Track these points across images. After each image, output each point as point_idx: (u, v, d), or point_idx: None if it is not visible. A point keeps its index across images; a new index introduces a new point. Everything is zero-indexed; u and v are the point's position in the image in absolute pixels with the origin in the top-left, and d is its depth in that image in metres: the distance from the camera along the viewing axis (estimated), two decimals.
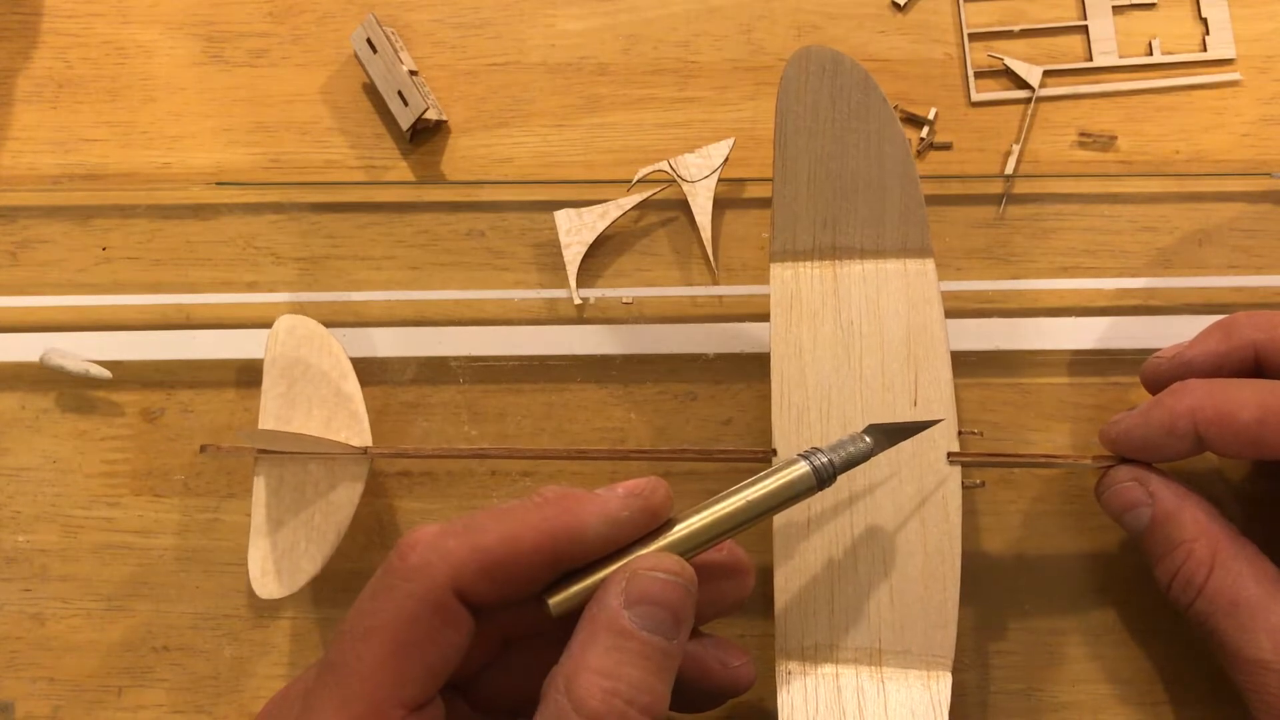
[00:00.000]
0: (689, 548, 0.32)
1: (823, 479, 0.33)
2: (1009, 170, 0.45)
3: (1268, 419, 0.34)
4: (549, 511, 0.30)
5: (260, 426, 0.41)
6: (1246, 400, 0.34)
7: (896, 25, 0.47)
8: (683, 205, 0.45)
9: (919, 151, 0.46)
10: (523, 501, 0.31)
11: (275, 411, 0.41)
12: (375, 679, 0.29)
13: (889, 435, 0.34)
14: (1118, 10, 0.47)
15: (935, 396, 0.37)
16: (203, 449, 0.41)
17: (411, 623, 0.29)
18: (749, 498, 0.32)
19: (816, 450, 0.33)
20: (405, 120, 0.46)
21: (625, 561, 0.31)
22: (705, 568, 0.32)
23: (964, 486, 0.37)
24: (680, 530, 0.32)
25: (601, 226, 0.45)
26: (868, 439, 0.34)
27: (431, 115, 0.46)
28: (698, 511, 0.32)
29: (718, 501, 0.32)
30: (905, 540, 0.36)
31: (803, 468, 0.32)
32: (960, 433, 0.37)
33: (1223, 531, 0.36)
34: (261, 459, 0.41)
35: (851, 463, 0.33)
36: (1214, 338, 0.37)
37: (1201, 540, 0.35)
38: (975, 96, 0.46)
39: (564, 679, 0.29)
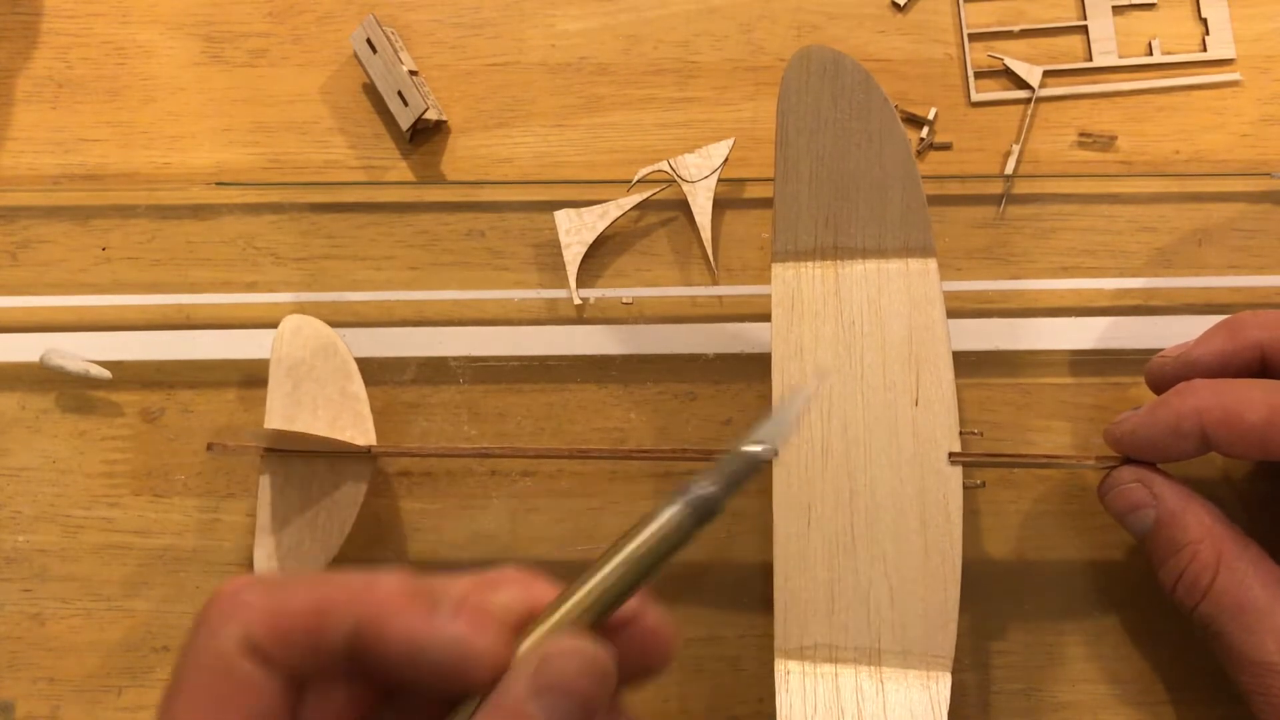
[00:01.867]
0: (589, 619, 0.27)
1: (705, 514, 0.27)
2: (1009, 170, 0.45)
3: (1275, 419, 0.34)
4: (366, 595, 0.26)
5: (267, 425, 0.41)
6: (1254, 400, 0.34)
7: (896, 25, 0.47)
8: (683, 205, 0.45)
9: (919, 151, 0.46)
10: (370, 577, 0.26)
11: (281, 410, 0.41)
12: None
13: (780, 425, 0.29)
14: (1118, 10, 0.47)
15: (936, 396, 0.37)
16: (209, 447, 0.41)
17: (207, 677, 0.25)
18: (630, 558, 0.27)
19: (696, 480, 0.28)
20: (405, 120, 0.46)
21: (535, 637, 0.26)
22: (622, 637, 0.28)
23: (965, 487, 0.37)
24: (573, 601, 0.27)
25: (601, 226, 0.45)
26: (757, 446, 0.28)
27: (431, 115, 0.46)
28: (583, 581, 0.27)
29: (603, 564, 0.27)
30: (905, 540, 0.36)
31: (675, 512, 0.27)
32: (961, 433, 0.37)
33: (1227, 533, 0.36)
34: (268, 457, 0.41)
35: (739, 479, 0.28)
36: (1219, 337, 0.37)
37: (1206, 542, 0.35)
38: (975, 96, 0.46)
39: None
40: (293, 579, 0.26)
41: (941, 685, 0.35)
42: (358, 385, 0.42)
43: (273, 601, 0.25)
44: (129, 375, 0.45)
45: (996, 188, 0.45)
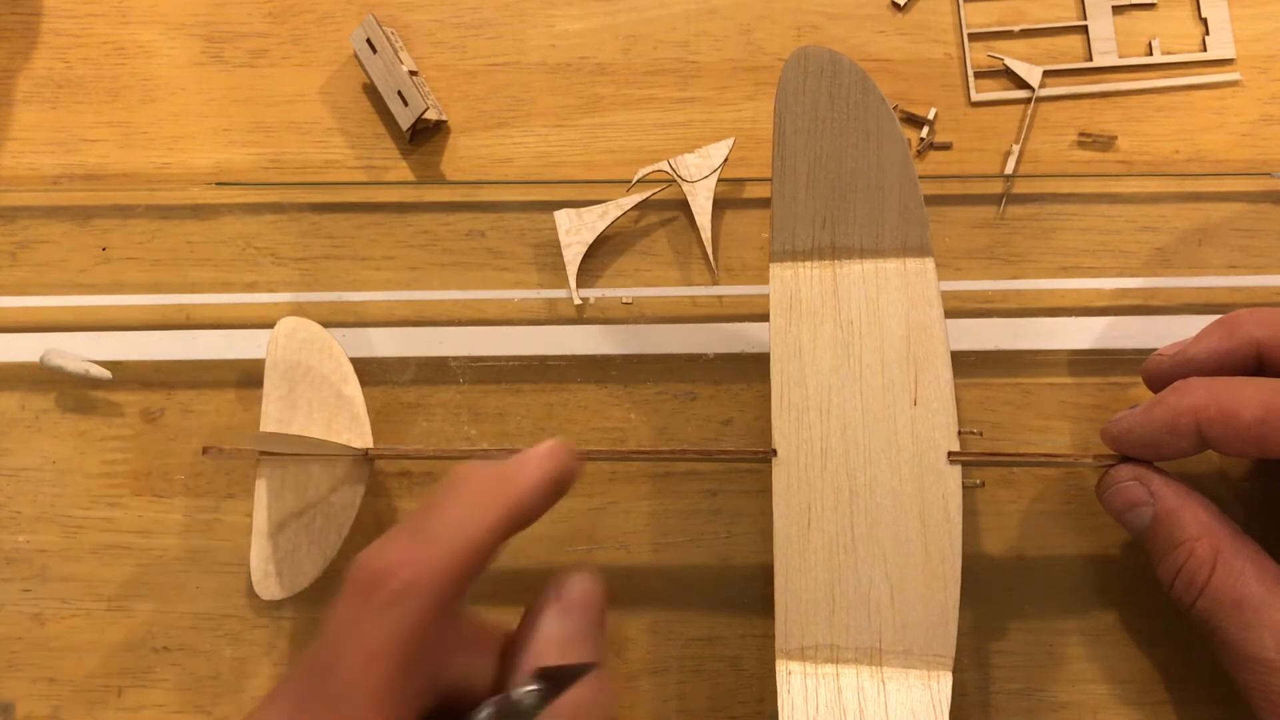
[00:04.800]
0: None
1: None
2: (1009, 170, 0.45)
3: (1270, 418, 0.34)
4: (496, 491, 0.31)
5: (262, 429, 0.41)
6: (1249, 399, 0.34)
7: (896, 25, 0.47)
8: (683, 205, 0.45)
9: (919, 151, 0.46)
10: (455, 491, 0.32)
11: (277, 414, 0.41)
12: (383, 697, 0.28)
13: (555, 682, 0.31)
14: (1118, 10, 0.47)
15: (935, 396, 0.37)
16: (205, 451, 0.41)
17: (413, 639, 0.29)
18: None
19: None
20: (405, 120, 0.46)
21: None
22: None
23: (964, 486, 0.37)
24: None
25: (601, 226, 0.45)
26: (528, 696, 0.30)
27: (431, 115, 0.46)
28: None
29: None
30: (905, 540, 0.36)
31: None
32: (960, 432, 0.37)
33: (1224, 530, 0.36)
34: (264, 461, 0.41)
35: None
36: (1216, 335, 0.37)
37: (1203, 539, 0.35)
38: (975, 96, 0.46)
39: (534, 653, 0.31)
40: (429, 525, 0.31)
41: (943, 685, 0.35)
42: (354, 387, 0.42)
43: (443, 549, 0.30)
44: (129, 375, 0.45)
45: (996, 188, 0.45)
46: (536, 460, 0.32)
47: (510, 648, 0.32)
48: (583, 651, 0.32)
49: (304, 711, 0.29)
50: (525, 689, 0.29)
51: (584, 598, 0.33)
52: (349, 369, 0.42)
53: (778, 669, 0.36)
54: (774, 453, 0.38)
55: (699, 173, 0.45)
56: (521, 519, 0.32)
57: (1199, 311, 0.43)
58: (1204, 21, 0.46)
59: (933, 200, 0.45)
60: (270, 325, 0.43)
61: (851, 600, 0.36)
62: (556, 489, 0.33)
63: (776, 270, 0.39)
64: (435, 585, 0.30)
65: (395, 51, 0.46)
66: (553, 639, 0.32)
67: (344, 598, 0.30)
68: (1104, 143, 0.46)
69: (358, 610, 0.30)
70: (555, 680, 0.30)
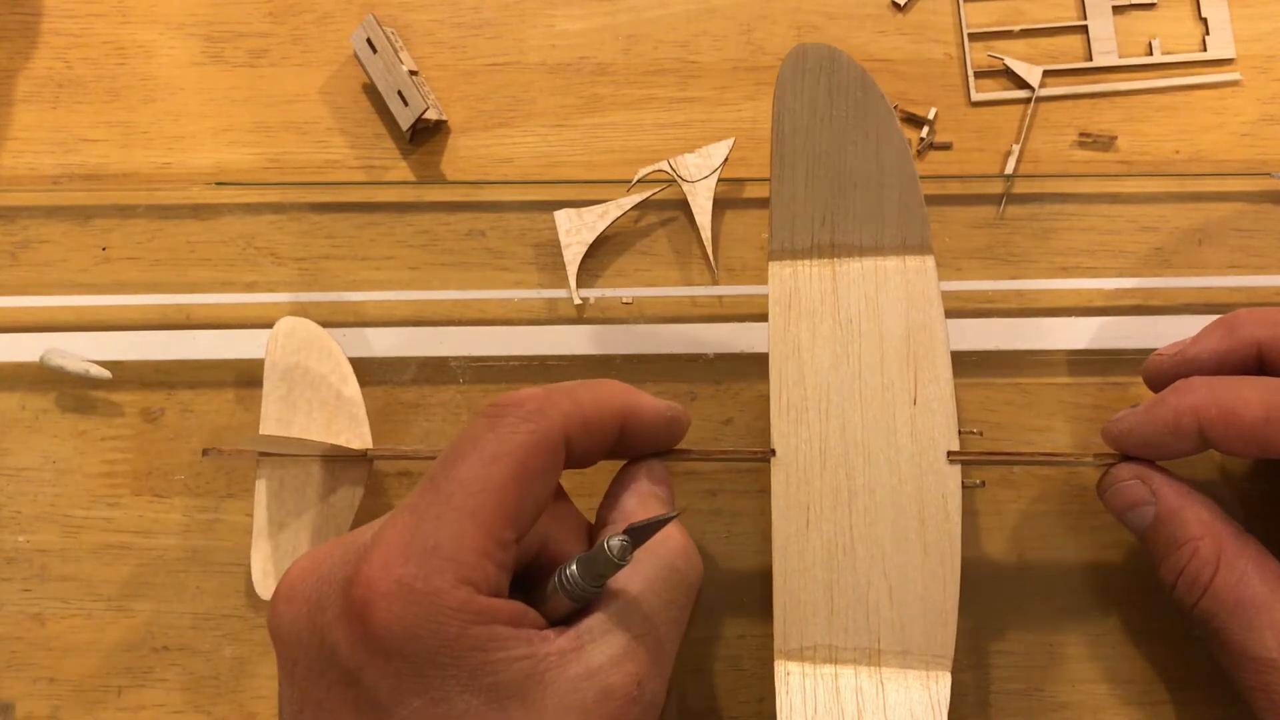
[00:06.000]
0: None
1: (572, 595, 0.32)
2: (1009, 170, 0.45)
3: (1272, 417, 0.34)
4: (621, 390, 0.36)
5: (261, 430, 0.41)
6: (1250, 399, 0.34)
7: (896, 25, 0.47)
8: (683, 205, 0.45)
9: (919, 151, 0.46)
10: (587, 381, 0.36)
11: (276, 415, 0.41)
12: (499, 496, 0.31)
13: (641, 534, 0.32)
14: (1118, 10, 0.47)
15: (935, 395, 0.37)
16: (205, 453, 0.41)
17: (535, 453, 0.32)
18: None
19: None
20: (405, 120, 0.46)
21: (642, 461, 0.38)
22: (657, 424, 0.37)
23: (964, 486, 0.37)
24: None
25: (601, 226, 0.45)
26: (615, 542, 0.31)
27: (431, 115, 0.46)
28: None
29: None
30: (905, 540, 0.36)
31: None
32: (960, 432, 0.37)
33: (1227, 529, 0.35)
34: (263, 462, 0.41)
35: (596, 573, 0.32)
36: (1216, 334, 0.37)
37: (1206, 539, 0.35)
38: (975, 96, 0.46)
39: (622, 514, 0.36)
40: (565, 386, 0.34)
41: (941, 685, 0.35)
42: (353, 388, 0.42)
43: (573, 399, 0.34)
44: (129, 375, 0.45)
45: (996, 188, 0.45)
46: (658, 401, 0.37)
47: (596, 527, 0.36)
48: (663, 511, 0.35)
49: (425, 497, 0.31)
50: (615, 537, 0.31)
51: (663, 472, 0.38)
52: (348, 369, 0.42)
53: (776, 670, 0.36)
54: (773, 453, 0.38)
55: (699, 173, 0.45)
56: (635, 428, 0.36)
57: (1199, 311, 0.43)
58: (1204, 21, 0.46)
59: (933, 200, 0.45)
60: (270, 325, 0.43)
61: (850, 600, 0.36)
62: (669, 427, 0.37)
63: (775, 269, 0.39)
64: (559, 419, 0.33)
65: (395, 51, 0.46)
66: (644, 494, 0.37)
67: (473, 421, 0.32)
68: (1104, 143, 0.46)
69: (485, 427, 0.32)
70: (641, 532, 0.31)
